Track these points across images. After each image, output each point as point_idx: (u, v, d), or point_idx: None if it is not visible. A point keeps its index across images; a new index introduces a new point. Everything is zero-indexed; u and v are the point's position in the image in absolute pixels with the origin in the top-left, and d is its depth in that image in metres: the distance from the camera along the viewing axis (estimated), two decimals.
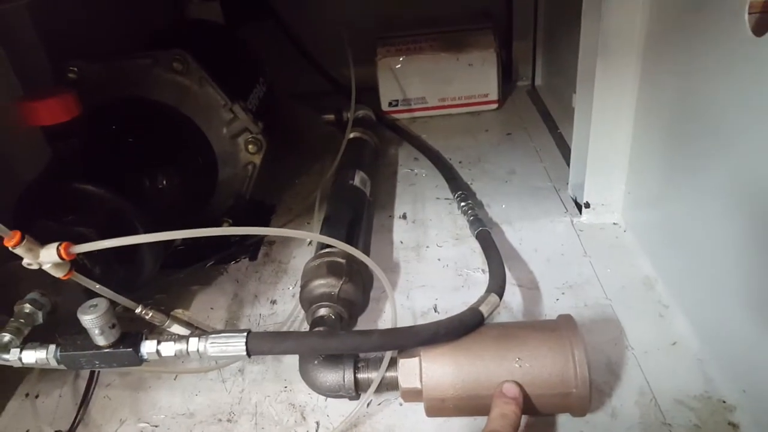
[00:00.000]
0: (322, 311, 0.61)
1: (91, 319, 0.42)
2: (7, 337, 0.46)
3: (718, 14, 0.51)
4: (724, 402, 0.53)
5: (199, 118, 0.74)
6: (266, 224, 0.90)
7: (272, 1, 1.19)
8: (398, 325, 0.53)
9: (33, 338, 0.50)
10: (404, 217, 0.88)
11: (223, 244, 0.83)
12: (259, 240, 0.85)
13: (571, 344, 0.49)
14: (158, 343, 0.46)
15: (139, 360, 0.45)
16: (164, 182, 0.68)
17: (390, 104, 1.21)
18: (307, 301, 0.63)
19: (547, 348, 0.49)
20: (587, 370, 0.48)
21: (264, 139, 0.78)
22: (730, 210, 0.52)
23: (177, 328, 0.47)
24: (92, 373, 0.64)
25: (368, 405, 0.57)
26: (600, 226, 0.81)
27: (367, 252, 0.79)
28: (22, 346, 0.46)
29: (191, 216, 0.75)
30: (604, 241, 0.78)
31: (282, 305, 0.73)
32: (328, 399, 0.58)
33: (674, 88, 0.62)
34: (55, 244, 0.38)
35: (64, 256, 0.38)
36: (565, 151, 1.00)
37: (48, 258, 0.38)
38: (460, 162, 1.02)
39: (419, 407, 0.54)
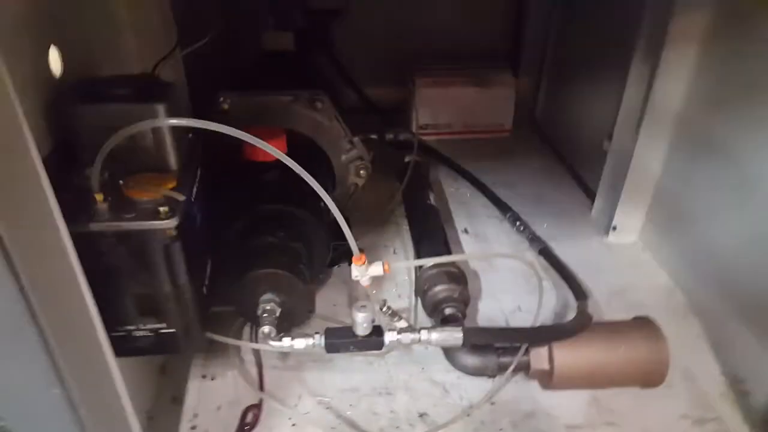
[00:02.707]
0: (449, 310, 0.79)
1: (363, 315, 0.58)
2: (267, 328, 0.61)
3: None
4: (737, 376, 0.77)
5: (327, 148, 0.89)
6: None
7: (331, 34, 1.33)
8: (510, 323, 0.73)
9: None
10: (466, 231, 1.07)
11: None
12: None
13: (657, 336, 0.71)
14: (398, 333, 0.62)
15: (382, 345, 0.62)
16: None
17: (421, 127, 1.39)
18: (432, 304, 0.80)
19: (643, 341, 0.71)
20: (669, 361, 0.70)
21: (371, 165, 0.94)
22: (741, 233, 0.77)
23: (402, 323, 0.64)
24: (258, 358, 0.78)
25: (500, 382, 0.75)
26: (623, 244, 1.04)
27: None
28: (292, 335, 0.61)
29: None
30: (629, 257, 1.01)
31: (392, 303, 0.89)
32: (461, 377, 0.76)
33: (700, 144, 0.86)
34: (380, 262, 0.54)
35: (386, 270, 0.54)
36: (578, 177, 1.23)
37: (374, 272, 0.54)
38: (494, 183, 1.22)
39: (530, 385, 0.74)
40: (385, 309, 0.63)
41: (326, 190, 0.91)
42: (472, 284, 0.93)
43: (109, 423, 0.49)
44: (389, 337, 0.63)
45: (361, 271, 0.55)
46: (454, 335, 0.63)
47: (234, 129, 0.51)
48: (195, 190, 0.52)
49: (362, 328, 0.60)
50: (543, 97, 1.49)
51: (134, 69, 0.69)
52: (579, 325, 0.68)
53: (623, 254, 1.02)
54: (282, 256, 0.66)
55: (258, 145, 0.50)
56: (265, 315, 0.62)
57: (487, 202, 1.15)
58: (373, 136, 1.29)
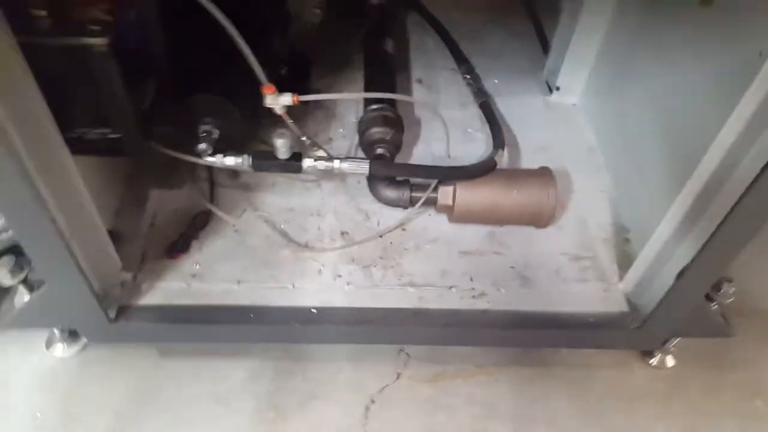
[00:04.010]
0: (380, 150, 0.88)
1: (281, 141, 0.69)
2: (204, 145, 0.72)
3: None
4: (624, 226, 0.89)
5: None
6: (308, 74, 1.10)
7: None
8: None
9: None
10: (420, 81, 1.13)
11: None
12: (309, 87, 1.07)
13: (548, 185, 0.81)
14: (314, 160, 0.73)
15: (300, 169, 0.73)
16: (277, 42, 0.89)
17: None
18: (367, 143, 0.90)
19: (535, 187, 0.81)
20: (555, 205, 0.81)
21: (325, 3, 0.98)
22: (650, 110, 0.83)
23: (321, 152, 0.74)
24: (210, 175, 0.89)
25: (412, 212, 0.88)
26: (563, 105, 1.11)
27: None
28: (224, 153, 0.72)
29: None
30: (565, 117, 1.09)
31: (337, 142, 0.99)
32: (383, 207, 0.88)
33: (638, 20, 0.89)
34: (290, 94, 0.63)
35: (295, 101, 0.63)
36: (541, 37, 1.25)
37: (284, 101, 0.63)
38: (460, 35, 1.25)
39: (441, 218, 0.87)
40: (305, 139, 0.73)
41: (283, 25, 0.98)
42: (412, 131, 1.02)
43: (74, 209, 0.61)
44: (307, 162, 0.73)
45: (273, 100, 0.64)
46: (361, 165, 0.74)
47: None
48: (135, 14, 0.59)
49: (282, 152, 0.71)
50: None
51: None
52: (479, 168, 0.79)
53: (560, 114, 1.09)
54: (224, 84, 0.74)
55: None
56: (203, 135, 0.72)
57: (448, 54, 1.20)
58: None
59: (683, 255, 0.69)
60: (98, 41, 0.53)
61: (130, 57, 0.59)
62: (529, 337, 0.77)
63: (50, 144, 0.56)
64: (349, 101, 1.06)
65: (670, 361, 0.88)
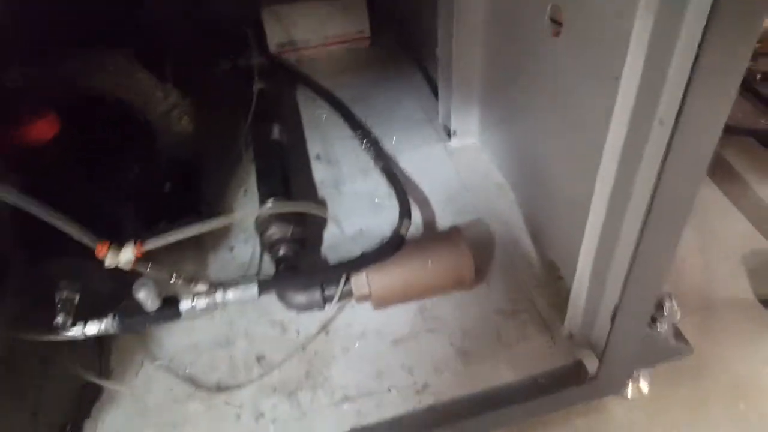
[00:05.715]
0: (282, 251, 0.81)
1: (144, 293, 0.60)
2: (61, 318, 0.61)
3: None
4: (553, 264, 0.83)
5: (138, 103, 0.86)
6: (197, 184, 1.02)
7: None
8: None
9: None
10: (318, 157, 1.07)
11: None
12: (200, 198, 0.99)
13: (460, 245, 0.75)
14: (192, 300, 0.64)
15: (179, 315, 0.64)
16: (136, 169, 0.81)
17: (278, 46, 1.34)
18: (268, 245, 0.82)
19: (447, 252, 0.75)
20: (472, 265, 0.75)
21: (192, 109, 0.91)
22: (542, 137, 0.79)
23: (200, 287, 0.65)
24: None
25: (331, 311, 0.79)
26: (464, 147, 1.07)
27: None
28: (84, 321, 0.62)
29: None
30: (468, 159, 1.04)
31: (239, 250, 0.91)
32: (300, 314, 0.80)
33: (507, 53, 0.86)
34: (131, 247, 0.54)
35: (138, 253, 0.54)
36: (432, 85, 1.21)
37: (126, 257, 0.54)
38: (351, 99, 1.20)
39: (364, 306, 0.79)
40: (174, 279, 0.64)
41: (143, 147, 0.91)
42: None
43: None
44: (184, 305, 0.64)
45: (112, 259, 0.55)
46: (249, 291, 0.66)
47: None
48: None
49: (149, 304, 0.62)
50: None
51: None
52: (386, 250, 0.72)
53: (463, 157, 1.05)
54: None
55: None
56: (59, 304, 0.62)
57: (342, 122, 1.14)
58: (225, 67, 1.26)
59: (612, 292, 0.63)
60: None
61: None
62: (486, 423, 0.69)
63: None
64: (247, 203, 0.99)
65: (644, 388, 0.81)
